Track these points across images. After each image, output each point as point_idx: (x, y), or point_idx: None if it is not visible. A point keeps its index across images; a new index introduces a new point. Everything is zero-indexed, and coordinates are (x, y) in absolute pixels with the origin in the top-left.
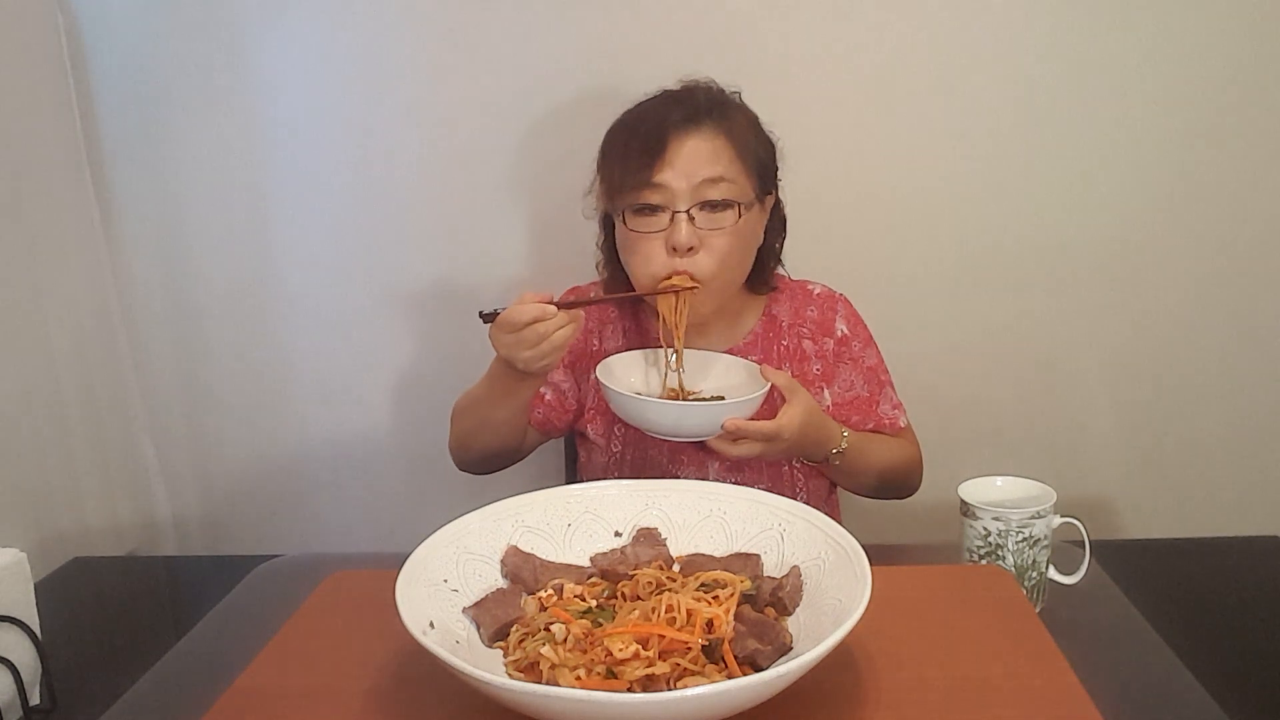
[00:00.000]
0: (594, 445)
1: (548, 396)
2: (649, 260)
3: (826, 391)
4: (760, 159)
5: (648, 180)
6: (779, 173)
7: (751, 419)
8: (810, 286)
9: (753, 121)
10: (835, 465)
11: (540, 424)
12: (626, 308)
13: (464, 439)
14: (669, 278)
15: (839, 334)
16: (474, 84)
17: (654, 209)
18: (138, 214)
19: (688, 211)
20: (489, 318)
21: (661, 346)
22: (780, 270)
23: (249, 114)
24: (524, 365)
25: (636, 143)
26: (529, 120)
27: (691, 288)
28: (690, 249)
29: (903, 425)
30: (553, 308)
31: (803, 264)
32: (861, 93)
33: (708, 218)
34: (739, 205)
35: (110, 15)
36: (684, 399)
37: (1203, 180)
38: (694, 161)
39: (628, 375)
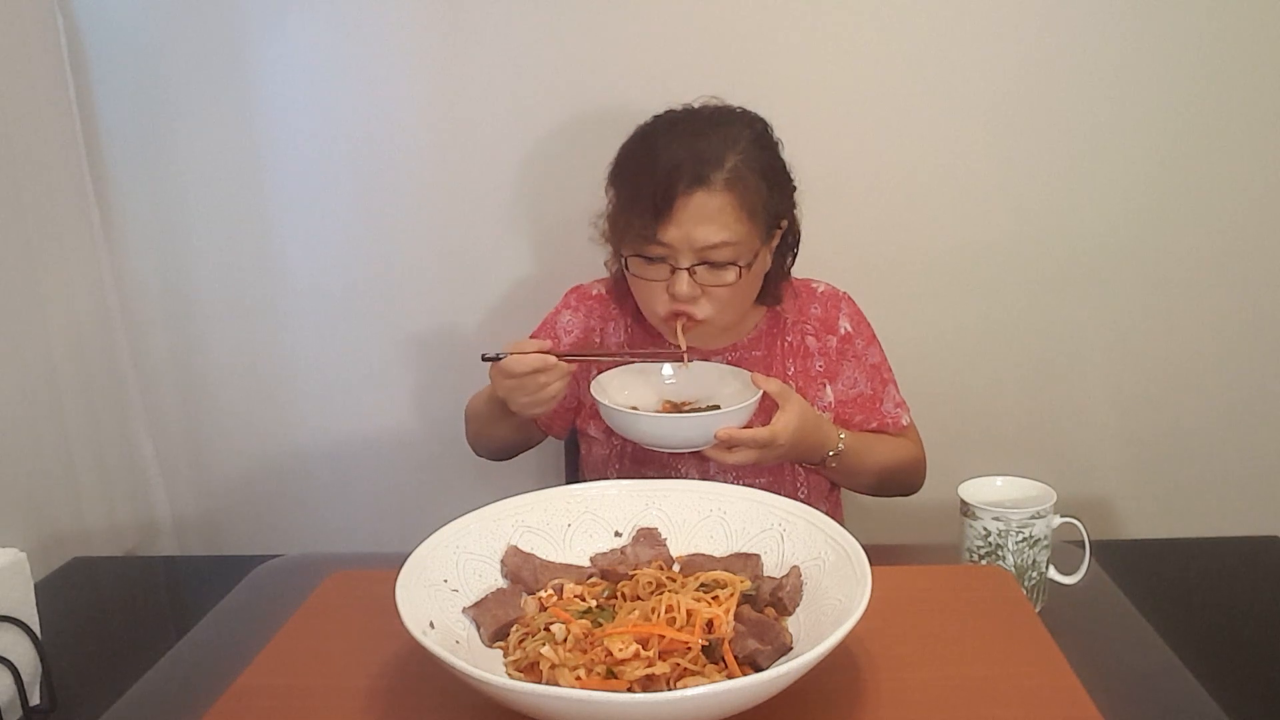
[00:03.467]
0: (594, 440)
1: None
2: (651, 301)
3: (829, 389)
4: (770, 207)
5: (652, 236)
6: (795, 194)
7: (747, 425)
8: (814, 284)
9: (765, 165)
10: (832, 467)
11: (545, 427)
12: (629, 304)
13: (475, 439)
14: (669, 318)
15: (842, 331)
16: (478, 82)
17: (657, 259)
18: (138, 214)
19: (689, 268)
20: (492, 359)
21: (661, 348)
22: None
23: (249, 114)
24: (518, 409)
25: (644, 196)
26: (534, 121)
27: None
28: (692, 299)
29: (905, 424)
30: (553, 359)
31: (804, 262)
32: (864, 91)
33: (709, 274)
34: (740, 267)
35: (110, 15)
36: (680, 410)
37: (1204, 180)
38: (698, 224)
39: (622, 389)
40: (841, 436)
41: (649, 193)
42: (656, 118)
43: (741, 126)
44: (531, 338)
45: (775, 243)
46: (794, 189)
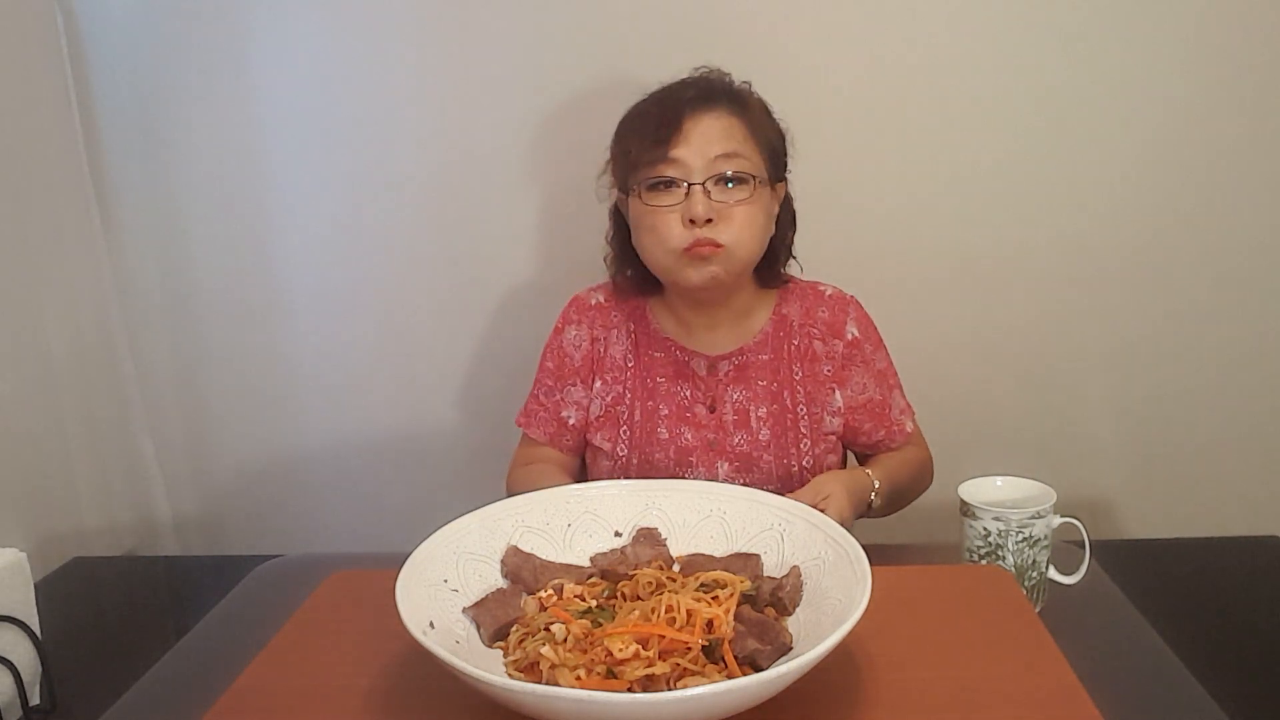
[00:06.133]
0: (599, 450)
1: (571, 421)
2: (667, 235)
3: (839, 393)
4: (772, 143)
5: (664, 155)
6: (789, 164)
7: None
8: (822, 288)
9: (765, 107)
10: (877, 505)
11: (573, 451)
12: (629, 306)
13: None
14: (688, 249)
15: (849, 336)
16: (477, 83)
17: (670, 183)
18: (138, 214)
19: (703, 184)
20: None
21: (671, 346)
22: (794, 263)
23: (249, 114)
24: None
25: (652, 120)
26: (533, 118)
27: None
28: (708, 220)
29: (910, 430)
30: None
31: (805, 264)
32: (865, 94)
33: (723, 191)
34: (754, 179)
35: (110, 15)
36: None
37: (1203, 182)
38: (708, 137)
39: None
40: (868, 472)
41: (657, 117)
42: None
43: (733, 83)
44: (545, 362)
45: (778, 203)
46: (787, 155)
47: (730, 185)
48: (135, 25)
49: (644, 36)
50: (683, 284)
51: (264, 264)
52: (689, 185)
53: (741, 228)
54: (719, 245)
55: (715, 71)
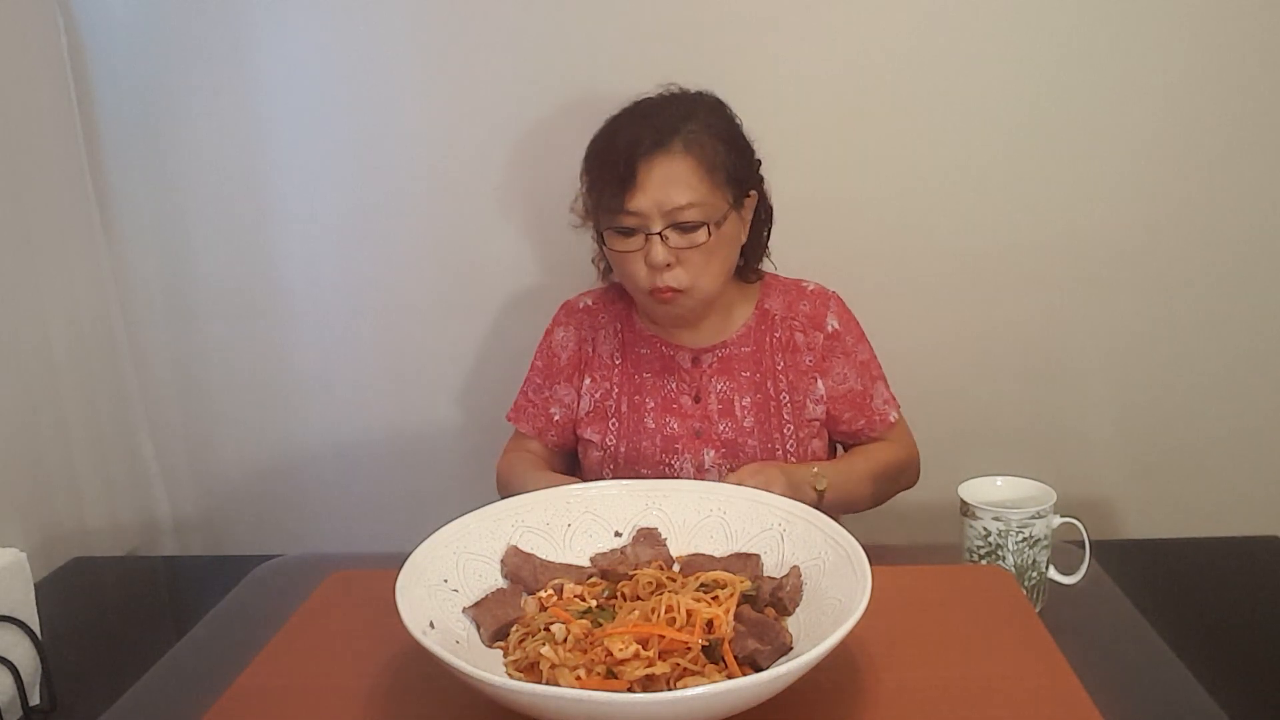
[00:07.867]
0: (590, 444)
1: (557, 417)
2: (634, 275)
3: (821, 383)
4: (732, 170)
5: (620, 207)
6: (761, 168)
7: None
8: (804, 284)
9: (723, 131)
10: (828, 500)
11: (558, 446)
12: (618, 308)
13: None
14: (652, 292)
15: (829, 329)
16: (474, 84)
17: (630, 230)
18: (138, 214)
19: (660, 233)
20: None
21: (657, 342)
22: (769, 262)
23: (249, 114)
24: None
25: (609, 170)
26: (528, 120)
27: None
28: (667, 265)
29: (893, 420)
30: None
31: (800, 265)
32: (856, 90)
33: (681, 237)
34: (709, 225)
35: (110, 15)
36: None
37: (1203, 181)
38: (663, 187)
39: None
40: (815, 471)
41: (613, 167)
42: (621, 108)
43: (695, 102)
44: (535, 362)
45: (748, 215)
46: (758, 161)
47: (687, 231)
48: (135, 25)
49: (641, 37)
50: (655, 317)
51: (264, 264)
52: (647, 235)
53: (701, 271)
54: (680, 290)
55: (673, 95)
